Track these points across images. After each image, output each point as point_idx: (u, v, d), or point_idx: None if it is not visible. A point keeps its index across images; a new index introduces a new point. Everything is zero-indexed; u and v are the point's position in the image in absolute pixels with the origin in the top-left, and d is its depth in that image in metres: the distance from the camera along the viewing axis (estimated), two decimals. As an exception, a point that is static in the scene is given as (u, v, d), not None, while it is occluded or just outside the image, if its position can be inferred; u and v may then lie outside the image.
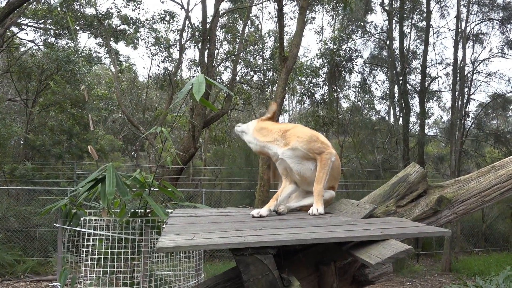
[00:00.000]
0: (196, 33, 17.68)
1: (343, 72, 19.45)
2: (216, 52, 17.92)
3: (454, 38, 14.17)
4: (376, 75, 20.13)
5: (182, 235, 1.75)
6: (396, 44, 16.51)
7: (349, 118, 19.24)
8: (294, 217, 2.33)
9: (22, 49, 17.36)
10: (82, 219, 4.49)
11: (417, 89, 16.53)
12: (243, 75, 20.48)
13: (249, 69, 20.31)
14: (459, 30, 14.22)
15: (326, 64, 19.74)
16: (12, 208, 9.63)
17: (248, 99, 19.89)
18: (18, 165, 12.36)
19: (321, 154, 2.45)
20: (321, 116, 19.09)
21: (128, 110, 19.49)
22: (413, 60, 17.79)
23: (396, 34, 16.78)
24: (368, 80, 19.29)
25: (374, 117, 19.81)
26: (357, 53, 18.70)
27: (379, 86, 19.67)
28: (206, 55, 15.74)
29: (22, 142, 17.13)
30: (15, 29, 16.76)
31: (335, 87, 19.91)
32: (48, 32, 17.19)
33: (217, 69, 19.21)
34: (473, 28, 15.58)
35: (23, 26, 16.96)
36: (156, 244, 1.55)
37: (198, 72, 19.45)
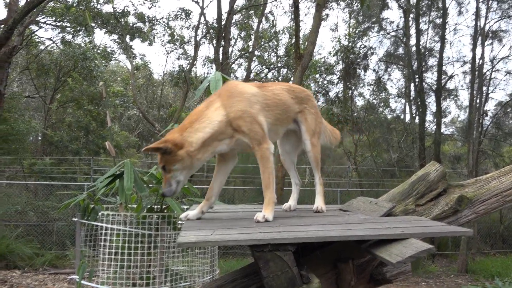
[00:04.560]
0: (211, 30, 17.73)
1: (358, 70, 19.29)
2: (230, 49, 17.95)
3: (472, 35, 13.92)
4: (392, 72, 19.91)
5: (201, 231, 1.77)
6: (413, 41, 16.29)
7: (364, 116, 19.08)
8: (312, 215, 2.33)
9: (41, 47, 17.66)
10: (99, 214, 4.56)
11: (434, 87, 16.29)
12: (258, 72, 20.48)
13: (264, 67, 20.29)
14: (478, 27, 13.96)
15: (340, 62, 19.61)
16: (30, 203, 9.84)
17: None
18: (37, 161, 12.63)
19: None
20: (335, 114, 18.99)
21: (144, 107, 19.69)
22: (429, 57, 17.53)
23: (412, 31, 16.56)
24: (383, 78, 19.09)
25: (390, 115, 19.62)
26: (372, 51, 18.53)
27: (395, 84, 19.49)
28: (220, 52, 15.78)
29: (40, 138, 17.46)
30: (34, 27, 17.05)
31: (349, 85, 19.77)
32: (66, 30, 17.45)
33: (232, 67, 19.25)
34: (492, 25, 15.27)
35: (41, 24, 17.25)
36: (177, 239, 1.57)
37: (212, 69, 19.53)
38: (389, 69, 19.15)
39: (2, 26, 14.39)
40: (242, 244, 1.64)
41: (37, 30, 17.49)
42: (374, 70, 18.98)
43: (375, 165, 16.86)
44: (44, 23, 17.40)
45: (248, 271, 2.15)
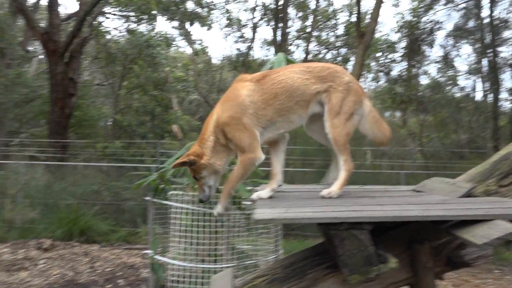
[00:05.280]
0: (268, 12, 17.62)
1: (422, 46, 18.24)
2: (287, 30, 17.74)
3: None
4: (461, 48, 18.60)
5: (275, 209, 1.80)
6: (485, 12, 15.03)
7: (430, 95, 18.08)
8: (385, 195, 2.28)
9: (108, 36, 18.63)
10: (169, 193, 4.79)
11: (509, 62, 14.99)
12: (316, 53, 20.09)
13: (322, 47, 19.86)
14: None
15: (404, 38, 18.66)
16: (104, 183, 10.56)
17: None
18: (109, 144, 13.52)
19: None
20: (398, 93, 18.20)
21: (204, 92, 20.20)
22: (504, 30, 16.10)
23: (485, 1, 15.27)
24: (451, 54, 17.90)
25: (458, 93, 18.42)
26: (439, 25, 17.39)
27: (464, 60, 18.19)
28: (278, 34, 15.66)
29: (110, 122, 18.63)
30: (101, 18, 18.01)
31: (414, 63, 18.79)
32: (130, 19, 18.24)
33: (289, 48, 19.04)
34: None
35: (107, 15, 18.16)
36: (254, 216, 1.62)
37: (270, 51, 19.45)
38: (457, 44, 17.91)
39: (73, 18, 15.36)
40: (317, 222, 1.65)
41: (104, 21, 18.48)
42: (441, 46, 17.85)
43: (443, 146, 16.00)
44: (110, 13, 18.31)
45: (319, 249, 2.16)
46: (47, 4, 14.09)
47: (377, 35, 19.77)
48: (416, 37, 17.68)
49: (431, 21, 17.48)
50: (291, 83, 2.13)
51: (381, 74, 20.62)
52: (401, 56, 18.97)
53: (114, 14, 18.38)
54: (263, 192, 2.24)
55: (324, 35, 20.03)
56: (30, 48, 19.06)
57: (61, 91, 12.88)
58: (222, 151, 2.16)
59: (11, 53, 16.14)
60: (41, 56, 19.42)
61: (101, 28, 17.78)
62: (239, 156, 2.13)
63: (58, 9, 13.99)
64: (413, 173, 11.97)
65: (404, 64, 19.03)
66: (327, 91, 2.16)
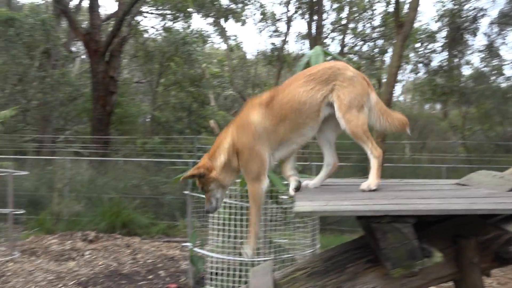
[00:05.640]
0: (303, 4, 17.44)
1: (465, 35, 17.47)
2: (322, 23, 17.49)
3: None
4: (507, 36, 17.64)
5: (315, 202, 1.80)
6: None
7: (473, 86, 17.31)
8: (426, 188, 2.22)
9: (146, 35, 19.11)
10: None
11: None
12: (352, 45, 19.70)
13: (358, 39, 19.44)
14: None
15: (445, 28, 17.95)
16: (144, 178, 10.88)
17: (357, 70, 19.15)
18: (148, 140, 13.92)
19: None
20: (439, 85, 17.55)
21: (239, 87, 20.32)
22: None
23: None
24: (496, 42, 17.03)
25: (504, 84, 17.52)
26: (482, 12, 16.56)
27: (511, 49, 17.26)
28: (313, 27, 15.48)
29: (149, 119, 19.16)
30: (139, 18, 18.48)
31: (455, 52, 18.04)
32: (166, 17, 18.61)
33: (324, 41, 18.78)
34: None
35: (144, 14, 18.62)
36: (294, 208, 1.62)
37: (305, 45, 19.28)
38: (503, 32, 17.01)
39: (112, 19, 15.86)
40: (358, 215, 1.63)
41: (141, 20, 18.94)
42: (484, 34, 17.01)
43: (487, 139, 15.30)
44: (147, 12, 18.76)
45: (359, 243, 2.14)
46: (88, 5, 14.63)
47: (416, 24, 19.15)
48: (458, 26, 16.96)
49: (474, 9, 16.71)
50: (298, 100, 2.16)
51: (420, 65, 19.95)
52: (442, 46, 18.26)
53: (151, 13, 18.82)
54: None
55: (360, 26, 19.61)
56: (73, 49, 19.88)
57: (102, 89, 13.37)
58: (231, 170, 2.24)
59: (55, 53, 16.91)
60: (83, 56, 20.20)
61: (139, 27, 18.26)
62: (247, 182, 2.23)
63: (99, 10, 14.51)
64: (455, 167, 11.54)
65: (445, 54, 18.32)
66: (333, 90, 2.17)
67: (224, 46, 18.69)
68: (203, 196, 4.94)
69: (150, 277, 5.24)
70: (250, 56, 24.13)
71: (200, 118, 15.94)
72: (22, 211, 6.55)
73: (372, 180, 2.10)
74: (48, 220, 8.35)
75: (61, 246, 6.79)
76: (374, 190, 2.06)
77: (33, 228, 8.01)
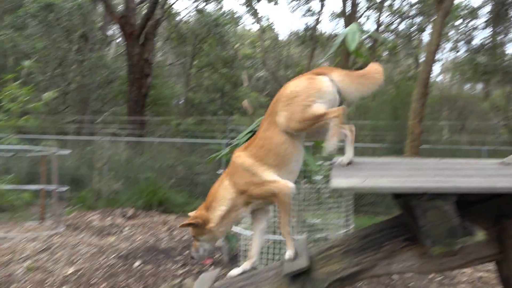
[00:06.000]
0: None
1: (509, 11, 16.49)
2: (357, 0, 16.96)
3: None
4: (558, 9, 16.51)
5: (352, 178, 1.79)
6: None
7: (518, 64, 16.41)
8: (468, 167, 2.15)
9: (178, 17, 19.22)
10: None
11: None
12: (388, 23, 19.05)
13: (395, 16, 18.76)
14: None
15: (488, 3, 17.00)
16: (178, 158, 11.14)
17: (394, 49, 18.55)
18: (182, 121, 14.19)
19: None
20: (480, 64, 16.75)
21: (271, 68, 20.18)
22: None
23: None
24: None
25: (553, 61, 16.49)
26: (531, -15, 15.55)
27: (562, 23, 16.17)
28: (348, 5, 15.05)
29: (182, 101, 19.44)
30: (172, 0, 18.57)
31: (499, 30, 17.10)
32: (198, -1, 18.62)
33: (359, 20, 18.25)
34: None
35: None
36: (330, 184, 1.62)
37: (339, 24, 18.80)
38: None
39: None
40: (397, 192, 1.62)
41: (174, 3, 19.04)
42: (532, 9, 15.98)
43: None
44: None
45: (395, 222, 2.12)
46: (123, -12, 14.83)
47: (457, 0, 18.24)
48: (502, 1, 16.00)
49: (521, -18, 15.70)
50: (270, 142, 2.18)
51: (461, 43, 19.09)
52: (485, 22, 17.35)
53: (183, -5, 18.82)
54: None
55: (397, 3, 18.89)
56: (109, 32, 20.30)
57: (137, 72, 13.64)
58: (228, 221, 2.26)
59: (92, 37, 17.34)
60: (119, 40, 20.61)
61: (172, 9, 18.37)
62: (274, 200, 2.17)
63: (133, -7, 14.67)
64: (497, 149, 11.08)
65: (488, 32, 17.41)
66: (278, 114, 2.17)
67: (256, 27, 18.55)
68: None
69: (186, 252, 5.41)
70: (282, 37, 23.86)
71: (232, 99, 16.02)
72: (66, 188, 6.88)
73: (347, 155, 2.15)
74: (89, 197, 8.76)
75: (101, 222, 7.12)
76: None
77: (75, 204, 8.42)
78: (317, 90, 2.13)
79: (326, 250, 2.18)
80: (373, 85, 2.18)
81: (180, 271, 4.74)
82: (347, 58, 12.59)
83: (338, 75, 2.19)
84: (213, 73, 17.22)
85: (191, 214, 2.32)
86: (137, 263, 4.95)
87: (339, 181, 1.69)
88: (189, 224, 2.25)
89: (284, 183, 2.13)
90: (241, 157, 2.24)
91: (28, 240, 5.67)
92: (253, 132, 4.59)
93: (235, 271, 2.32)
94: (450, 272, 4.93)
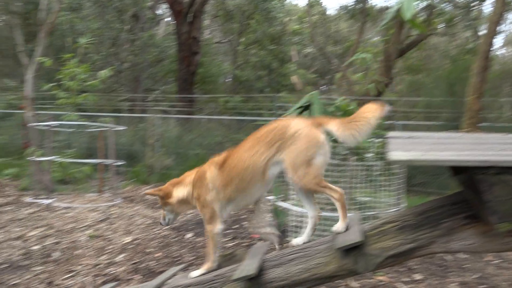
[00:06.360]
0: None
1: None
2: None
3: None
4: None
5: (411, 152, 1.72)
6: None
7: None
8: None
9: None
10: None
11: None
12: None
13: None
14: None
15: None
16: (226, 135, 11.30)
17: (451, 21, 17.41)
18: (229, 98, 14.33)
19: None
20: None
21: (319, 44, 19.73)
22: None
23: None
24: None
25: None
26: None
27: None
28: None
29: (230, 78, 19.58)
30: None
31: None
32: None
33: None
34: None
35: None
36: (389, 156, 1.58)
37: (391, -4, 17.84)
38: None
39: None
40: (462, 165, 1.54)
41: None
42: None
43: None
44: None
45: (456, 198, 2.03)
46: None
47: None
48: None
49: None
50: (241, 165, 2.32)
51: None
52: (557, -12, 15.74)
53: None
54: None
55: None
56: (158, 11, 20.68)
57: (186, 50, 13.85)
58: (185, 204, 2.60)
59: (143, 17, 17.75)
60: (168, 19, 20.95)
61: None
62: (205, 226, 2.48)
63: (181, -29, 14.75)
64: None
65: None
66: (279, 150, 2.26)
67: (304, 2, 18.10)
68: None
69: (236, 226, 5.54)
70: (331, 11, 23.13)
71: (280, 76, 15.89)
72: (122, 163, 7.22)
73: (340, 223, 2.23)
74: (143, 172, 9.15)
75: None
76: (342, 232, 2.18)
77: (130, 178, 8.84)
78: (316, 145, 2.24)
79: (380, 226, 2.14)
80: (369, 125, 2.22)
81: (230, 244, 4.88)
82: (400, 30, 12.00)
83: (334, 125, 2.29)
84: (260, 50, 17.13)
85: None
86: (188, 235, 5.15)
87: (398, 153, 1.63)
88: (153, 194, 2.64)
89: (215, 225, 2.43)
90: (211, 170, 2.46)
91: (89, 211, 6.06)
92: (303, 107, 4.56)
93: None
94: (509, 255, 4.71)
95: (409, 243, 2.01)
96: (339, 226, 2.23)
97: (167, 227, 3.12)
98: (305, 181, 2.21)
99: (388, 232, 2.10)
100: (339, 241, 2.08)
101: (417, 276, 4.03)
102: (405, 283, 3.87)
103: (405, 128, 9.89)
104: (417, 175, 8.77)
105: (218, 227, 2.45)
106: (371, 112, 2.23)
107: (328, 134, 2.31)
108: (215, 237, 2.45)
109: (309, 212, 2.44)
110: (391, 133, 2.59)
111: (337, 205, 2.24)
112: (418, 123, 11.64)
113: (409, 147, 1.89)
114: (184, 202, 2.58)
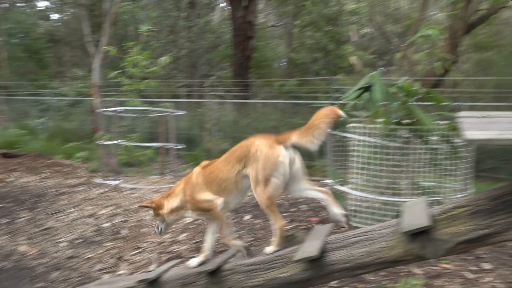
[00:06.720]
0: None
1: None
2: None
3: None
4: None
5: (485, 131, 1.61)
6: None
7: None
8: None
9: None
10: (348, 126, 4.81)
11: None
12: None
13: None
14: None
15: None
16: (281, 119, 11.29)
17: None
18: (284, 82, 14.24)
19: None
20: None
21: (378, 24, 18.92)
22: None
23: None
24: None
25: None
26: None
27: None
28: None
29: (285, 62, 19.41)
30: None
31: None
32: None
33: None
34: None
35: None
36: (465, 137, 1.48)
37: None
38: None
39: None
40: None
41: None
42: None
43: None
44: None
45: (536, 183, 1.88)
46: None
47: None
48: None
49: None
50: (218, 173, 2.60)
51: None
52: None
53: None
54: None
55: None
56: (213, -3, 20.87)
57: (241, 35, 13.90)
58: (177, 214, 2.78)
59: (199, 4, 18.03)
60: (223, 4, 21.10)
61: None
62: (209, 216, 2.69)
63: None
64: None
65: None
66: (246, 166, 2.51)
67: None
68: (344, 135, 4.94)
69: (293, 209, 5.56)
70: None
71: (336, 58, 15.47)
72: (182, 146, 7.49)
73: (271, 247, 2.46)
74: (201, 155, 9.42)
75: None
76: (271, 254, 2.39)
77: (190, 162, 9.15)
78: (275, 165, 2.42)
79: (450, 210, 2.04)
80: (320, 130, 2.46)
81: (288, 227, 4.91)
82: (468, 4, 11.16)
83: (295, 137, 2.50)
84: (315, 32, 16.75)
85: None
86: (247, 217, 5.24)
87: (473, 133, 1.53)
88: (146, 206, 2.88)
89: (215, 202, 2.57)
90: (196, 173, 2.72)
91: (153, 192, 6.36)
92: (363, 89, 4.41)
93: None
94: None
95: (483, 228, 1.90)
96: (268, 250, 2.46)
97: (160, 235, 3.42)
98: (260, 198, 2.46)
99: (460, 217, 2.00)
100: (406, 225, 2.01)
101: (486, 266, 3.81)
102: (473, 272, 3.67)
103: (472, 109, 9.27)
104: (485, 160, 8.23)
105: (218, 202, 2.58)
106: (320, 118, 2.46)
107: (295, 146, 2.52)
108: (222, 214, 2.60)
109: (319, 196, 2.60)
110: (462, 113, 2.44)
111: (276, 232, 2.47)
112: (487, 103, 10.87)
113: (485, 127, 1.77)
114: (175, 211, 2.78)
